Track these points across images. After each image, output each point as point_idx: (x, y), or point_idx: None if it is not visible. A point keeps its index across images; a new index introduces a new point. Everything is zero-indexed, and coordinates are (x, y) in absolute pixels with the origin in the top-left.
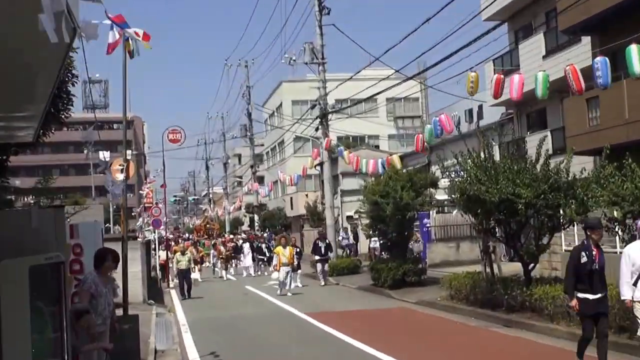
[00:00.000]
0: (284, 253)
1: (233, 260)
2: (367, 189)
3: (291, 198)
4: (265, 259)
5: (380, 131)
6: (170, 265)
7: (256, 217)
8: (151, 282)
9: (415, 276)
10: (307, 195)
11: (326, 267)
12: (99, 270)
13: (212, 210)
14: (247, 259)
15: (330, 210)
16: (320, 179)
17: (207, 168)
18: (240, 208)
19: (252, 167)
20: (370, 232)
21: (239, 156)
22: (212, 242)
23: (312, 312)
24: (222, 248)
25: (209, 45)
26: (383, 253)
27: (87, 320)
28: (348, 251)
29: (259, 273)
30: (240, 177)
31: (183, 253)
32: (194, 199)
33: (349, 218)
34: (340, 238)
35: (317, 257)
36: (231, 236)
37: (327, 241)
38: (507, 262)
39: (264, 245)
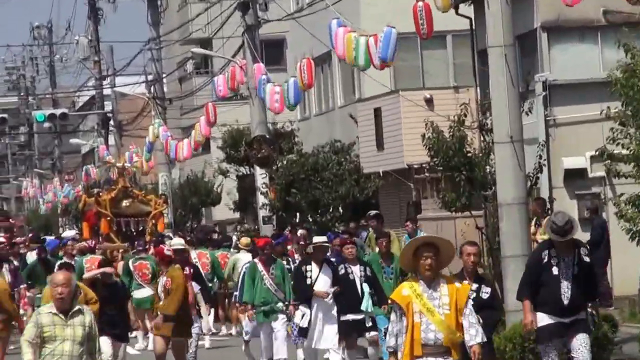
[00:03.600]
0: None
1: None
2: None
3: (377, 111)
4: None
5: None
6: None
7: (258, 176)
8: None
9: None
10: (427, 99)
11: None
12: None
13: (114, 156)
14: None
15: (510, 150)
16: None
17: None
18: (206, 143)
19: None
20: None
21: None
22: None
23: None
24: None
25: None
26: None
27: None
28: None
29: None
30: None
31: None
32: (44, 118)
33: (574, 177)
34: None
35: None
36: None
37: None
38: None
39: (313, 270)
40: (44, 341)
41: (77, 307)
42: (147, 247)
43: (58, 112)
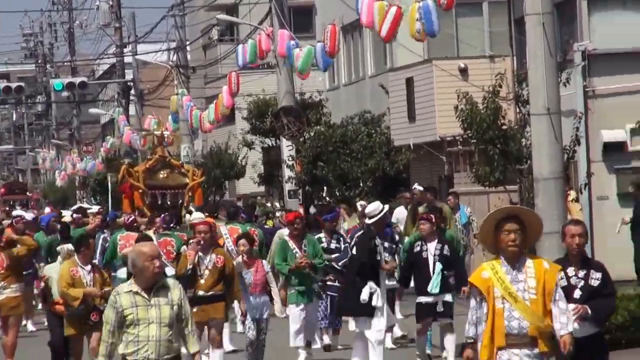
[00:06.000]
0: None
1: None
2: None
3: (409, 81)
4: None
5: None
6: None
7: (284, 148)
8: None
9: None
10: (461, 68)
11: None
12: None
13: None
14: None
15: (547, 123)
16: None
17: None
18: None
19: None
20: None
21: None
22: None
23: None
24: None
25: None
26: None
27: None
28: None
29: None
30: None
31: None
32: (63, 87)
33: (613, 151)
34: None
35: None
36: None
37: None
38: None
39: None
40: (126, 326)
41: (161, 282)
42: (172, 222)
43: (77, 80)
